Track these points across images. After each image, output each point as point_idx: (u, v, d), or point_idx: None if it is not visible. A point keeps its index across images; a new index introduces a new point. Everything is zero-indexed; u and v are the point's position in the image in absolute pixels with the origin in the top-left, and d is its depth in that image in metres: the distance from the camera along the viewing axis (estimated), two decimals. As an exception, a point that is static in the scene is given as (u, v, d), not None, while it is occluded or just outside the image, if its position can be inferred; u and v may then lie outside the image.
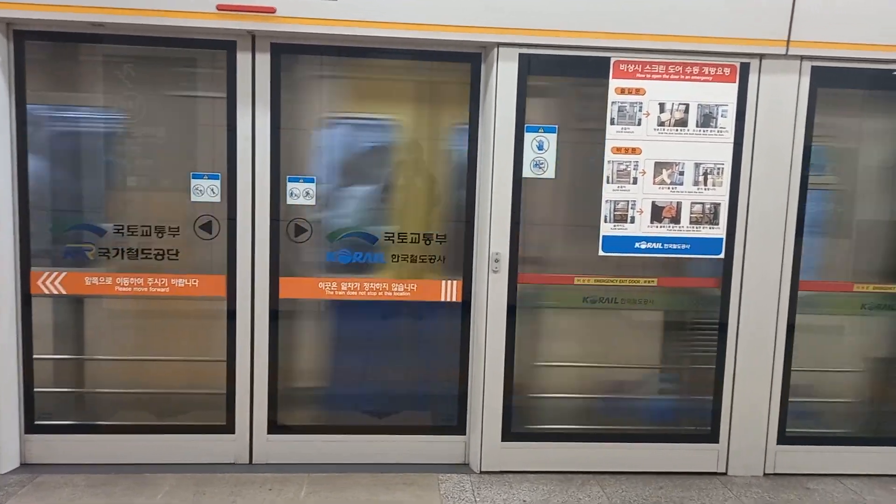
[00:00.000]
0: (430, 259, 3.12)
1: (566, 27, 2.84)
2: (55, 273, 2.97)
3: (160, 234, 3.01)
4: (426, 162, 3.15)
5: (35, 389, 3.03)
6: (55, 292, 2.99)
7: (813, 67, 2.96)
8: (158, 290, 3.00)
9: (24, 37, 2.84)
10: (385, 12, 2.78)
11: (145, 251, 3.02)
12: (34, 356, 3.01)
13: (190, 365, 3.18)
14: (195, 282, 3.01)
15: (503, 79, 2.90)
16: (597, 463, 3.16)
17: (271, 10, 2.74)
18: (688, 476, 3.16)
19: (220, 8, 2.72)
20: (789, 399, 3.14)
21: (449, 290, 3.10)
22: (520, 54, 2.89)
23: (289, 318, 3.11)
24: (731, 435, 3.16)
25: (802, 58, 2.95)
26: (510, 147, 2.95)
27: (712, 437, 3.17)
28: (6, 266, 2.91)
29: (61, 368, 3.14)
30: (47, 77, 2.95)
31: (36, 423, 3.04)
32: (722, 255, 3.06)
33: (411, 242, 3.10)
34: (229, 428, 3.09)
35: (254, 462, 3.12)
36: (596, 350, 3.27)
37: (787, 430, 3.16)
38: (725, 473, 3.18)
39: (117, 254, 3.01)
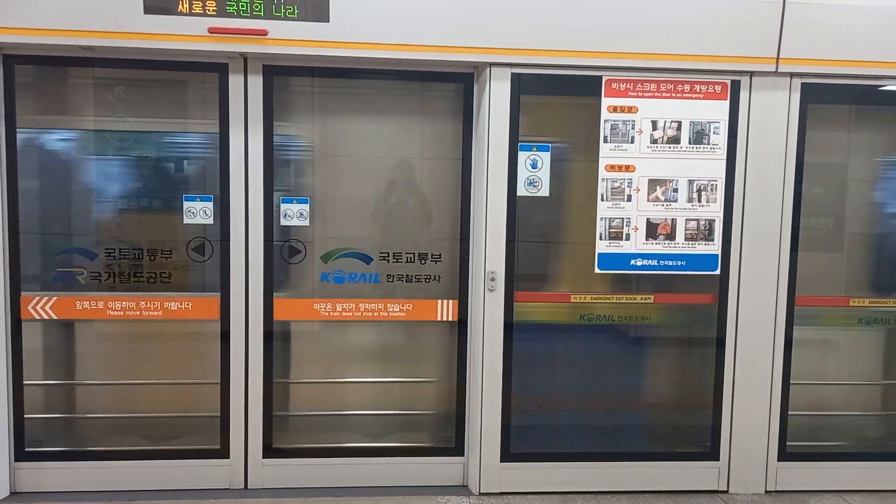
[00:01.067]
0: (426, 279, 3.10)
1: (558, 46, 2.85)
2: (45, 298, 2.93)
3: (152, 257, 2.99)
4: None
5: (25, 416, 2.97)
6: (45, 317, 2.95)
7: (803, 84, 2.98)
8: (151, 313, 2.96)
9: (14, 61, 2.83)
10: (377, 33, 2.78)
11: (137, 274, 2.99)
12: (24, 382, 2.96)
13: (182, 388, 3.14)
14: (188, 304, 2.98)
15: (496, 98, 2.90)
16: (597, 483, 3.11)
17: (263, 33, 2.74)
18: (690, 494, 3.12)
19: (211, 31, 2.71)
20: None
21: (445, 310, 3.08)
22: (512, 73, 2.89)
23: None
24: (731, 452, 3.13)
25: (792, 75, 2.97)
26: (504, 166, 2.95)
27: (713, 454, 3.14)
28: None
29: (52, 394, 3.09)
30: (37, 100, 2.93)
31: (26, 450, 2.98)
32: (718, 271, 3.06)
33: (406, 262, 3.09)
34: (224, 452, 3.04)
35: (249, 487, 3.06)
36: (592, 368, 3.25)
37: (788, 445, 3.14)
38: (727, 491, 3.15)
39: (109, 277, 2.98)
